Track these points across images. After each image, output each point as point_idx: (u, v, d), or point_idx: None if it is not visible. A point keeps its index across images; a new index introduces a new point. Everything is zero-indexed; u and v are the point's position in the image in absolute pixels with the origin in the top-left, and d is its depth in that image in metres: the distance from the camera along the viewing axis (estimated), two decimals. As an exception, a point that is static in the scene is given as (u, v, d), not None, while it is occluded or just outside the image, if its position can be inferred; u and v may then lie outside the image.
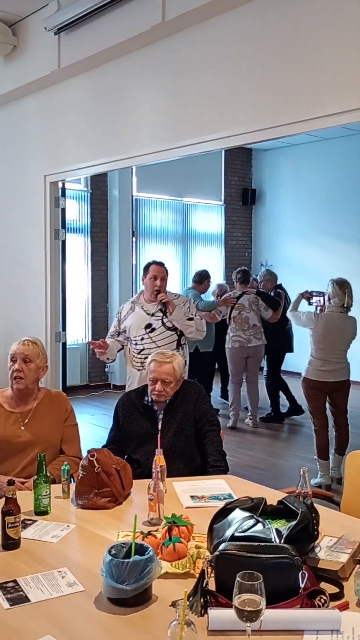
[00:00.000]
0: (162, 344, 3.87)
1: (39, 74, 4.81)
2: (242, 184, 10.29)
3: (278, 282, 6.99)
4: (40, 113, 5.18)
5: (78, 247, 8.22)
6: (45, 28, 4.52)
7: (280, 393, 6.90)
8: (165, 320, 3.92)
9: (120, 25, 4.05)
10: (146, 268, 4.05)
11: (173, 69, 3.98)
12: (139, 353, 3.91)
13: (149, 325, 3.92)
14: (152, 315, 3.94)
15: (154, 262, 4.06)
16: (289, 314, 5.06)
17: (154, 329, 3.91)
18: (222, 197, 10.06)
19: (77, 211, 8.24)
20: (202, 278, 6.78)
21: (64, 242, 5.23)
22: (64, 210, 5.25)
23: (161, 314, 3.93)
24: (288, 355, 6.93)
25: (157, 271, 3.97)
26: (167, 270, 4.07)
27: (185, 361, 4.05)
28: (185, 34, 3.86)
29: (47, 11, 4.57)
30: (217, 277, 9.11)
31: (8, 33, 4.93)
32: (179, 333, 3.96)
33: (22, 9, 4.73)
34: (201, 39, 3.77)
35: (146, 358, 3.78)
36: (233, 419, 6.47)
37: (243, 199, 10.27)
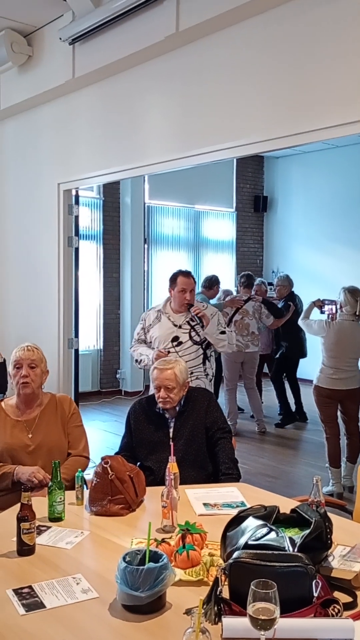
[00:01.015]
0: (189, 359, 3.73)
1: (54, 84, 4.86)
2: (253, 191, 10.32)
3: (293, 290, 7.02)
4: (54, 122, 5.23)
5: (90, 254, 8.27)
6: (60, 38, 4.57)
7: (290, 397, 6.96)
8: (193, 333, 3.80)
9: (134, 35, 4.09)
10: (174, 279, 3.89)
11: (186, 79, 4.01)
12: None
13: (176, 339, 3.80)
14: (180, 327, 3.82)
15: (181, 273, 3.89)
16: (300, 322, 5.06)
17: (180, 343, 3.79)
18: (234, 204, 10.08)
19: (89, 218, 8.29)
20: (212, 284, 6.81)
21: (77, 250, 5.27)
22: (77, 217, 5.29)
23: (189, 327, 3.80)
24: (300, 362, 6.96)
25: (186, 284, 3.82)
26: (195, 280, 3.95)
27: (213, 374, 3.97)
28: (198, 44, 3.89)
29: (62, 22, 4.62)
30: (229, 284, 9.12)
31: (23, 43, 4.99)
32: (204, 347, 3.83)
33: (37, 19, 4.79)
34: (214, 49, 3.80)
35: None
36: (232, 428, 6.48)
37: (255, 206, 10.29)
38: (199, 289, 7.02)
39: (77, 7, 4.33)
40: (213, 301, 6.97)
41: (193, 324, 3.83)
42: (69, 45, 4.59)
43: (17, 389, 2.85)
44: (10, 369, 2.89)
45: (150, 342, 3.93)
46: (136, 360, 3.99)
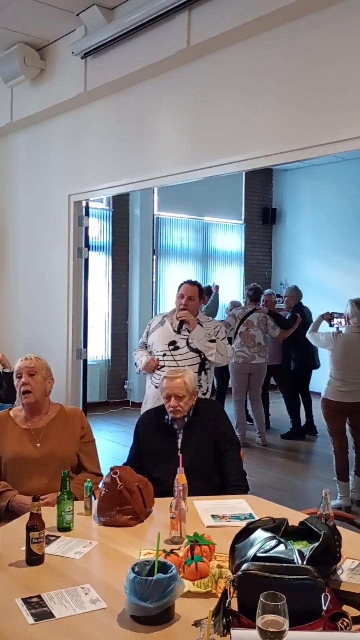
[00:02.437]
0: (184, 365, 3.76)
1: (65, 97, 4.92)
2: (262, 204, 10.35)
3: (301, 301, 7.02)
4: (65, 134, 5.29)
5: (99, 265, 8.31)
6: (73, 52, 4.63)
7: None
8: (190, 340, 3.85)
9: (145, 50, 4.14)
10: (179, 287, 4.00)
11: (196, 93, 4.05)
12: (159, 369, 3.85)
13: (173, 343, 3.84)
14: (178, 332, 3.87)
15: (187, 282, 4.01)
16: (308, 335, 5.06)
17: (177, 347, 3.83)
18: (243, 217, 10.12)
19: (98, 229, 8.35)
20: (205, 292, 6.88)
21: (86, 260, 5.31)
22: (87, 229, 5.33)
23: (187, 334, 3.85)
24: (313, 374, 6.98)
25: (185, 290, 3.93)
26: (200, 290, 4.00)
27: (208, 388, 3.96)
28: (209, 59, 3.93)
29: (75, 36, 4.68)
30: (237, 296, 9.14)
31: (36, 57, 5.06)
32: (202, 357, 3.84)
33: (50, 34, 4.86)
34: (224, 64, 3.84)
35: None
36: (240, 440, 6.47)
37: (263, 219, 10.32)
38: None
39: (90, 22, 4.39)
40: (221, 314, 7.04)
41: (183, 327, 3.87)
42: (81, 59, 4.64)
43: (20, 398, 2.88)
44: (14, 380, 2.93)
45: (150, 346, 3.97)
46: (135, 364, 4.07)
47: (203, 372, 3.86)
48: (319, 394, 4.93)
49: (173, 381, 2.97)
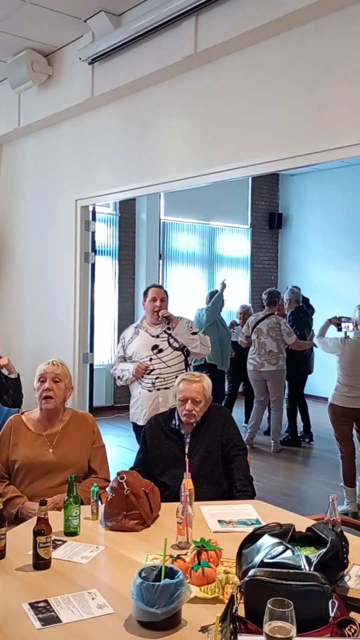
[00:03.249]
0: (172, 364, 3.95)
1: (73, 102, 4.95)
2: (268, 208, 10.35)
3: (303, 302, 7.03)
4: (72, 139, 5.31)
5: (106, 269, 8.33)
6: (80, 58, 4.66)
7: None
8: (171, 340, 3.99)
9: (152, 55, 4.16)
10: (145, 292, 4.20)
11: (203, 98, 4.07)
12: (149, 373, 3.95)
13: (155, 347, 3.98)
14: (157, 337, 4.01)
15: (153, 286, 4.23)
16: (315, 340, 5.05)
17: (161, 350, 3.97)
18: (249, 221, 10.12)
19: (105, 234, 8.36)
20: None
21: (93, 265, 5.32)
22: (94, 234, 5.35)
23: (166, 335, 4.00)
24: (310, 378, 6.94)
25: (156, 293, 4.11)
26: (166, 293, 4.21)
27: None
28: (216, 64, 3.95)
29: (82, 42, 4.71)
30: (243, 300, 9.13)
31: (43, 63, 5.09)
32: (185, 353, 4.02)
33: (57, 40, 4.89)
34: (231, 70, 3.85)
35: (157, 378, 3.87)
36: (248, 436, 6.48)
37: (269, 223, 10.32)
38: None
39: (97, 28, 4.42)
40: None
41: (169, 332, 4.01)
42: (89, 65, 4.67)
43: (40, 403, 2.86)
44: (34, 382, 2.91)
45: (130, 357, 4.06)
46: (118, 377, 4.12)
47: (188, 368, 4.03)
48: (323, 398, 4.91)
49: (192, 384, 2.97)
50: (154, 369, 3.93)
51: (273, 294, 6.73)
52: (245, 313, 7.25)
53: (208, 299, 6.81)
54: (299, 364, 6.73)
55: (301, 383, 6.91)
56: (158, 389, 3.92)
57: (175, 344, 3.99)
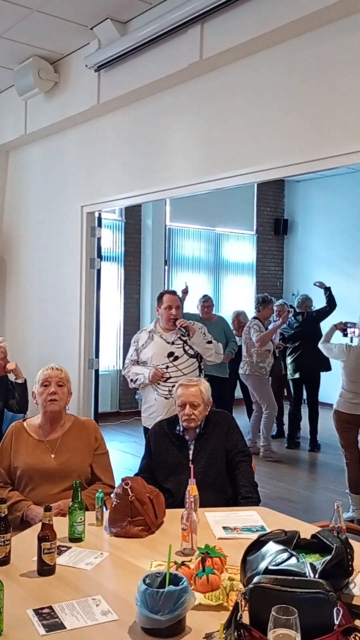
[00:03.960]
0: (188, 372, 3.94)
1: (79, 109, 4.97)
2: (274, 214, 10.36)
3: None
4: (78, 146, 5.34)
5: (112, 275, 8.35)
6: (86, 65, 4.68)
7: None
8: (186, 347, 3.98)
9: (158, 63, 4.18)
10: (160, 298, 4.13)
11: (209, 105, 4.08)
12: (165, 381, 3.94)
13: (171, 354, 3.97)
14: (172, 343, 3.99)
15: (167, 292, 4.17)
16: (320, 345, 5.04)
17: (177, 357, 3.96)
18: (254, 227, 10.13)
19: (111, 240, 8.39)
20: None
21: (99, 271, 5.34)
22: (99, 240, 5.36)
23: (181, 342, 3.99)
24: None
25: (171, 300, 4.05)
26: (180, 299, 4.19)
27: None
28: (221, 72, 3.96)
29: (88, 49, 4.74)
30: (249, 307, 9.12)
31: (50, 70, 5.12)
32: (199, 360, 4.03)
33: (64, 47, 4.92)
34: (236, 76, 3.87)
35: (174, 386, 3.84)
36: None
37: (275, 229, 10.33)
38: (220, 312, 7.08)
39: (103, 35, 4.45)
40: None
41: (184, 338, 3.99)
42: (95, 72, 4.69)
43: (44, 406, 2.86)
44: (36, 387, 2.92)
45: (145, 362, 4.04)
46: (131, 380, 4.11)
47: (201, 374, 4.04)
48: (329, 404, 4.90)
49: (188, 389, 2.98)
50: (170, 377, 3.92)
51: (258, 300, 6.80)
52: (237, 318, 7.25)
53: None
54: (309, 368, 6.73)
55: (310, 387, 6.88)
56: None
57: (191, 351, 3.98)
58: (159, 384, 3.96)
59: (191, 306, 6.70)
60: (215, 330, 5.55)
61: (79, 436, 2.90)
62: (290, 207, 10.45)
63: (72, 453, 2.84)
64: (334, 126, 3.30)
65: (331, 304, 6.75)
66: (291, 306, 7.52)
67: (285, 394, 7.60)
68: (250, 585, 1.62)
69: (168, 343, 4.00)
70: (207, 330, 4.18)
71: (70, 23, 4.45)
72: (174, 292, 4.18)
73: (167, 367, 3.94)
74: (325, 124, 3.35)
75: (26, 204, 6.06)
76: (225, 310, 7.21)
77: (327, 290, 6.72)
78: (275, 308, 7.00)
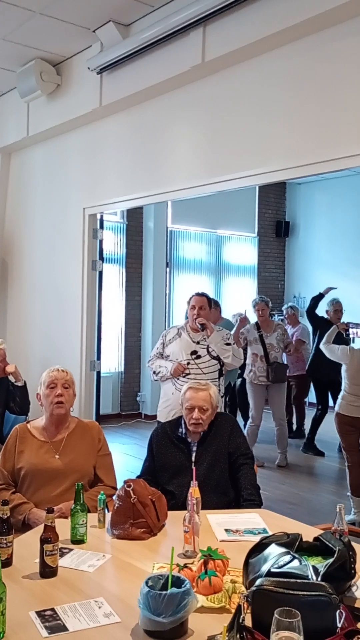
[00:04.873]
0: (208, 372, 4.00)
1: (81, 112, 4.98)
2: (275, 217, 10.36)
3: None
4: (81, 148, 5.34)
5: (113, 277, 8.35)
6: (89, 68, 4.69)
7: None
8: (210, 349, 4.05)
9: (160, 65, 4.18)
10: (189, 299, 4.24)
11: (211, 108, 4.09)
12: (184, 376, 4.00)
13: (194, 352, 4.06)
14: (198, 343, 4.09)
15: (195, 294, 4.26)
16: (322, 347, 5.03)
17: (199, 356, 4.05)
18: (256, 230, 10.13)
19: (113, 242, 8.39)
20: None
21: (100, 273, 5.34)
22: (101, 242, 5.37)
23: (206, 344, 4.07)
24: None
25: (196, 301, 4.17)
26: (210, 301, 4.27)
27: (223, 391, 4.16)
28: (224, 74, 3.97)
29: (91, 52, 4.75)
30: (250, 309, 9.12)
31: (52, 72, 5.14)
32: (221, 363, 4.06)
33: (66, 50, 4.93)
34: (239, 79, 3.87)
35: None
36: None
37: (276, 232, 10.33)
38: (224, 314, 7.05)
39: (106, 38, 4.46)
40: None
41: (203, 334, 4.08)
42: (97, 75, 4.71)
43: (51, 409, 2.86)
44: (41, 389, 2.91)
45: (168, 356, 4.13)
46: (154, 372, 4.18)
47: (221, 377, 4.09)
48: (330, 407, 4.89)
49: (199, 393, 2.98)
50: (189, 373, 4.00)
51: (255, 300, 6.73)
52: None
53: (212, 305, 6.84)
54: (317, 371, 6.73)
55: (319, 390, 6.85)
56: None
57: (214, 353, 4.05)
58: (178, 378, 4.03)
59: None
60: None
61: (82, 437, 2.91)
62: (291, 209, 10.46)
63: (76, 454, 2.84)
64: (336, 129, 3.30)
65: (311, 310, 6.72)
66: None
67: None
68: (253, 588, 1.62)
69: (194, 342, 4.09)
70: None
71: (72, 26, 4.46)
72: (202, 295, 4.26)
73: (188, 363, 4.03)
74: (327, 126, 3.35)
75: (28, 206, 6.07)
76: (226, 313, 7.17)
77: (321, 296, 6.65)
78: (284, 311, 7.09)
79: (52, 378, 2.89)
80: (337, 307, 6.56)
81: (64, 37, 4.68)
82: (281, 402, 6.29)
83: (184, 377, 4.00)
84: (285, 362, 6.57)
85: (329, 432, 6.70)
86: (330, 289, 6.80)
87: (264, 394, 6.27)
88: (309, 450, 6.72)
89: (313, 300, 6.78)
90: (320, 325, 6.41)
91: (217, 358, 4.05)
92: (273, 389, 6.21)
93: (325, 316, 6.63)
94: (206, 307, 4.17)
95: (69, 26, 4.47)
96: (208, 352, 4.06)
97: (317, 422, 6.70)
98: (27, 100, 5.36)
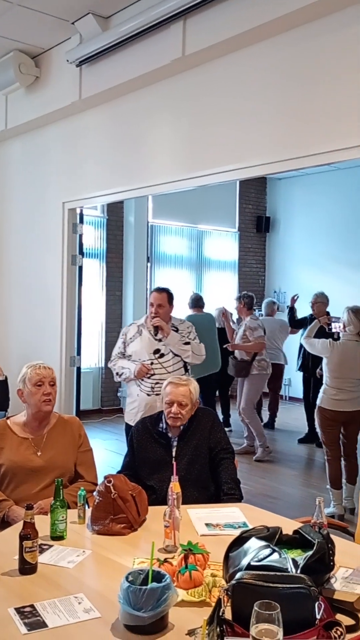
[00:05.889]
0: (173, 370, 3.92)
1: (60, 105, 4.93)
2: (256, 212, 10.39)
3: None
4: (60, 142, 5.30)
5: (93, 272, 8.31)
6: (67, 60, 4.64)
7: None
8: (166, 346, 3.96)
9: (140, 58, 4.16)
10: (150, 295, 4.13)
11: (191, 102, 4.07)
12: (149, 377, 3.93)
13: (157, 351, 3.96)
14: (160, 340, 3.97)
15: (155, 290, 4.13)
16: (303, 341, 5.06)
17: (162, 354, 3.95)
18: (237, 225, 10.15)
19: (93, 237, 8.35)
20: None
21: (80, 268, 5.30)
22: (81, 236, 5.33)
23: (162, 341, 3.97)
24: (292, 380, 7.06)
25: (153, 298, 4.02)
26: (169, 296, 4.05)
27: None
28: (204, 68, 3.96)
29: (70, 44, 4.70)
30: (230, 304, 9.14)
31: (31, 65, 5.08)
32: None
33: (45, 41, 4.88)
34: (219, 73, 3.87)
35: (157, 383, 3.83)
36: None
37: (257, 227, 10.36)
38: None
39: (85, 30, 4.41)
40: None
41: (158, 337, 3.96)
42: (76, 67, 4.66)
43: (38, 406, 2.82)
44: (26, 386, 2.85)
45: (130, 356, 4.01)
46: (117, 374, 4.07)
47: (187, 373, 4.00)
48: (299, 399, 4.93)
49: (178, 388, 2.97)
50: (154, 374, 3.90)
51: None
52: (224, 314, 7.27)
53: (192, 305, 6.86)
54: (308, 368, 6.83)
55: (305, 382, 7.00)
56: (157, 394, 3.84)
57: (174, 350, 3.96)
58: (142, 379, 3.94)
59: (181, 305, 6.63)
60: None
61: (63, 433, 2.89)
62: (272, 204, 10.49)
63: (56, 450, 2.83)
64: (316, 124, 3.31)
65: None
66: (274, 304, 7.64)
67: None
68: (233, 581, 1.63)
69: (155, 340, 3.97)
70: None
71: (51, 17, 4.41)
72: (160, 290, 4.07)
73: (151, 363, 3.92)
74: (307, 121, 3.36)
75: (7, 200, 6.00)
76: (208, 308, 7.19)
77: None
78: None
79: (39, 376, 2.85)
80: (316, 300, 6.62)
81: (43, 29, 4.62)
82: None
83: (148, 377, 3.91)
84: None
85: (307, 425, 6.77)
86: (294, 299, 7.26)
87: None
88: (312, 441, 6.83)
89: (289, 313, 7.22)
90: (306, 325, 6.49)
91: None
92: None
93: (310, 312, 6.75)
94: (165, 304, 3.98)
95: (47, 18, 4.42)
96: (171, 349, 3.95)
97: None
98: (5, 92, 5.29)
